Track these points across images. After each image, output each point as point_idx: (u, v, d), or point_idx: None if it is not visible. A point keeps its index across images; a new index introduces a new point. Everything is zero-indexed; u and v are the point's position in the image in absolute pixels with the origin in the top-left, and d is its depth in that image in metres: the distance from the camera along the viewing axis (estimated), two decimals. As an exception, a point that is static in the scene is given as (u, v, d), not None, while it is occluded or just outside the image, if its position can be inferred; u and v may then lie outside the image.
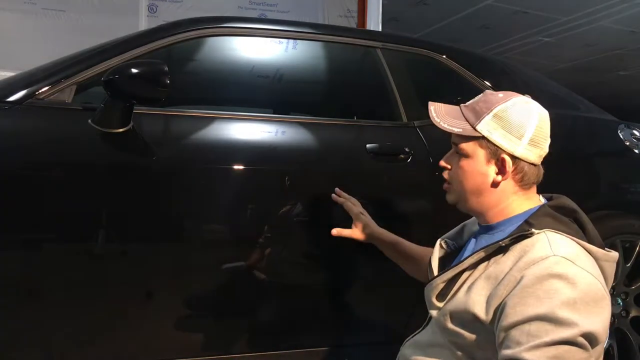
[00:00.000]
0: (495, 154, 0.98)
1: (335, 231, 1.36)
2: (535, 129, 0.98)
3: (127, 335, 1.37)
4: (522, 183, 1.00)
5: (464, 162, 1.02)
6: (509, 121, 0.98)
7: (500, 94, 1.02)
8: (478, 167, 1.00)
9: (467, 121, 1.01)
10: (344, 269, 1.34)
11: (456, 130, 1.00)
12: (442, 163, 1.07)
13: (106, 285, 1.33)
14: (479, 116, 0.99)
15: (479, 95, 1.05)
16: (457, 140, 1.03)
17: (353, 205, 1.41)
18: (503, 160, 0.98)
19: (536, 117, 0.99)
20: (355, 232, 1.37)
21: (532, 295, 0.84)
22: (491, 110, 0.99)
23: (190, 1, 3.63)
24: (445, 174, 1.07)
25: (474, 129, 0.99)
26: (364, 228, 1.37)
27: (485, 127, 0.98)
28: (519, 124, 0.98)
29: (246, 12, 3.76)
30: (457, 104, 1.07)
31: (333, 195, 1.42)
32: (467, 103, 1.06)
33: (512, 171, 0.99)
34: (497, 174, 0.99)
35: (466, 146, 1.01)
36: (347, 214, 1.39)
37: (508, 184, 1.00)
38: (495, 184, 1.00)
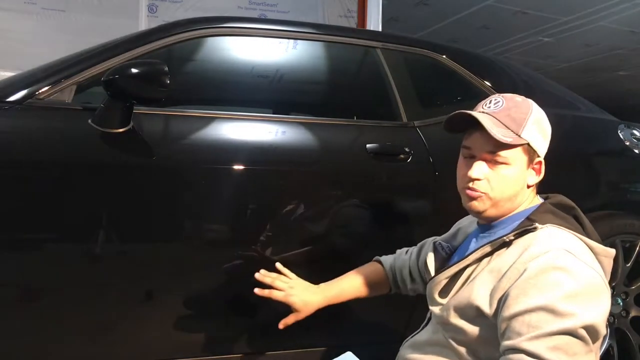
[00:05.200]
0: (532, 158, 1.00)
1: (281, 324, 1.22)
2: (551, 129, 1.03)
3: (127, 335, 1.37)
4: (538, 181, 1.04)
5: (507, 170, 0.98)
6: (543, 125, 1.01)
7: (518, 98, 1.03)
8: (520, 173, 0.99)
9: (509, 129, 0.98)
10: (344, 268, 1.33)
11: (507, 139, 0.95)
12: (477, 175, 0.99)
13: (106, 285, 1.33)
14: (520, 123, 0.98)
15: (498, 101, 1.02)
16: (493, 148, 0.98)
17: (279, 289, 1.22)
18: (540, 163, 1.01)
19: (547, 118, 1.03)
20: (299, 315, 1.22)
21: (534, 286, 0.85)
22: (529, 117, 0.99)
23: (190, 1, 3.62)
24: (479, 185, 0.99)
25: (519, 136, 0.97)
26: (305, 306, 1.22)
27: (529, 133, 0.98)
28: (548, 127, 1.03)
29: (246, 12, 3.76)
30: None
31: (256, 290, 1.21)
32: (492, 110, 1.01)
33: None
34: (533, 176, 1.02)
35: (509, 154, 0.98)
36: (348, 213, 1.39)
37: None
38: (529, 187, 1.02)
